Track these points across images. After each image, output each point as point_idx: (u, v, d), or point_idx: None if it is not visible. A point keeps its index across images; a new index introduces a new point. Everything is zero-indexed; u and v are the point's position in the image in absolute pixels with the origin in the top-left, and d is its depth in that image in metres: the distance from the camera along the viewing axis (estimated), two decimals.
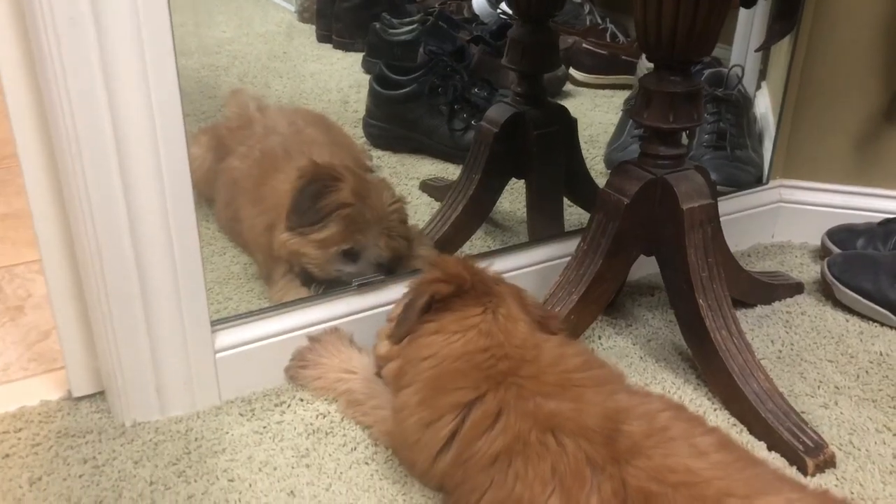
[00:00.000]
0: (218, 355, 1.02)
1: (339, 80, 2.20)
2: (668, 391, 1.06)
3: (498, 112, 1.29)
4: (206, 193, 1.48)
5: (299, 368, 1.07)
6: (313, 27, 2.56)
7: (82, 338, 1.02)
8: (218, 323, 1.02)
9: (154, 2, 0.82)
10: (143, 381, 0.99)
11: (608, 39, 2.29)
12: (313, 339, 1.07)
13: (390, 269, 1.18)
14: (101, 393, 1.04)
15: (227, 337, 1.03)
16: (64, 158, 0.87)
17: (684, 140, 1.22)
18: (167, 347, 0.98)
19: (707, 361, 1.04)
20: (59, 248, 0.97)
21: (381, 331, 0.94)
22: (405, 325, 0.87)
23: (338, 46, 2.45)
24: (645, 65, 2.07)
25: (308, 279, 1.20)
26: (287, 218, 1.17)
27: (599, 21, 2.36)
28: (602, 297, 1.09)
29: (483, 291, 0.89)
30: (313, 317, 1.08)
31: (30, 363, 1.10)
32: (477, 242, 1.38)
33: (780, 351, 1.15)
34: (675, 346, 1.15)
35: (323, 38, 2.51)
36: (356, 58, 2.32)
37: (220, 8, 2.93)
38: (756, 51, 1.59)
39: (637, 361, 1.12)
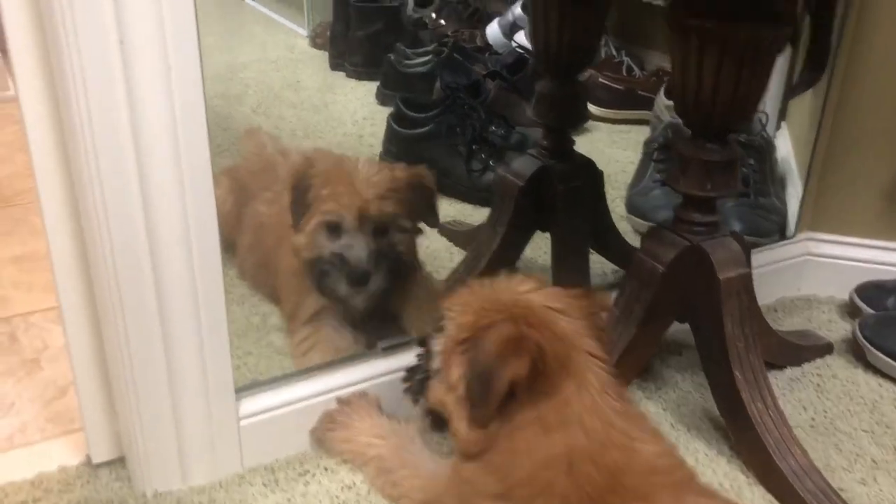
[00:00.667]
0: (242, 422, 1.00)
1: (353, 112, 2.18)
2: (702, 462, 1.04)
3: (523, 165, 1.26)
4: (226, 238, 1.45)
5: (327, 431, 1.04)
6: (326, 53, 2.54)
7: (102, 397, 0.99)
8: (243, 390, 1.00)
9: (186, 61, 0.81)
10: (166, 448, 0.96)
11: (624, 73, 2.26)
12: (343, 401, 1.05)
13: (392, 265, 1.16)
14: (121, 459, 1.01)
15: (252, 403, 1.01)
16: (88, 213, 0.85)
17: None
18: (191, 414, 0.96)
19: (742, 434, 1.02)
20: (78, 299, 0.94)
21: (437, 395, 0.87)
22: (485, 410, 0.81)
23: (351, 75, 2.44)
24: (663, 101, 2.05)
25: (335, 325, 1.20)
26: (292, 220, 1.19)
27: (615, 54, 2.34)
28: (635, 365, 1.07)
29: (563, 353, 0.81)
30: (338, 381, 1.06)
31: (47, 423, 1.08)
32: None
33: (814, 419, 1.12)
34: (707, 413, 1.13)
35: (336, 65, 2.49)
36: (370, 87, 2.30)
37: (232, 31, 2.92)
38: (785, 100, 1.57)
39: (668, 429, 1.10)
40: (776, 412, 1.01)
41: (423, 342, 0.95)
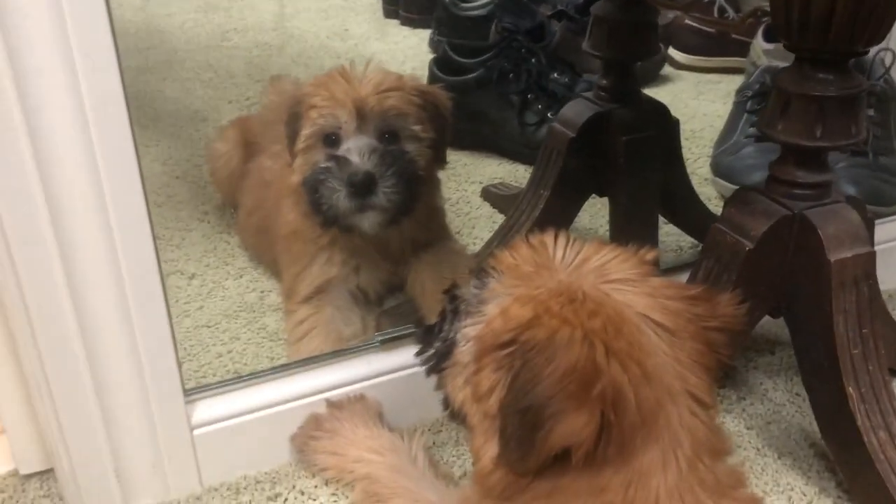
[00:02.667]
0: (196, 432, 0.79)
1: (402, 63, 1.96)
2: None
3: (576, 111, 1.01)
4: (231, 198, 1.27)
5: (311, 439, 0.83)
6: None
7: (22, 397, 0.80)
8: (194, 392, 0.79)
9: None
10: (97, 463, 0.77)
11: (716, 14, 1.97)
12: (334, 405, 0.84)
13: (403, 173, 0.92)
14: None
15: (207, 409, 0.80)
16: None
17: None
18: (125, 422, 0.76)
19: (856, 472, 0.75)
20: None
21: (458, 396, 0.63)
22: (520, 463, 0.56)
23: (405, 23, 2.22)
24: (761, 45, 1.75)
25: (340, 306, 0.99)
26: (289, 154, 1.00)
27: None
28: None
29: (651, 403, 0.54)
30: (321, 381, 0.84)
31: None
32: None
33: None
34: (805, 434, 0.86)
35: (390, 12, 2.28)
36: (424, 35, 2.09)
37: None
38: None
39: (753, 455, 0.84)
40: None
41: (451, 293, 0.67)
